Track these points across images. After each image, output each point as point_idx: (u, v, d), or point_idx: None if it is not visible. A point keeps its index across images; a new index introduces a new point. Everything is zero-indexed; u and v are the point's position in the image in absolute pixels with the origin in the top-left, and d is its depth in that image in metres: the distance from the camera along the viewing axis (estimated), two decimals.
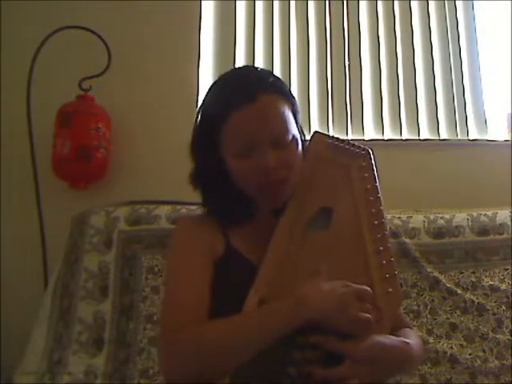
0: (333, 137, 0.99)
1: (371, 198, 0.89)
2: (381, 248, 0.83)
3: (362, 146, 0.97)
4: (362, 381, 0.71)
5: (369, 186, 0.91)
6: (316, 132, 0.99)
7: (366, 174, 0.92)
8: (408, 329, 0.90)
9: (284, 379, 0.72)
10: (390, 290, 0.80)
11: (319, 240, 0.85)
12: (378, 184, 0.92)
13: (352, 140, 1.03)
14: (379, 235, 0.85)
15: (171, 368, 0.76)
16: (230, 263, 0.87)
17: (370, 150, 0.96)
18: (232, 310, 0.76)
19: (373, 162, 0.95)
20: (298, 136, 0.89)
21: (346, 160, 0.94)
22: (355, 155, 0.95)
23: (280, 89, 0.87)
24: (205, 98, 0.92)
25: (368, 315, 0.73)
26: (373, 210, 0.87)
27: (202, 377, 0.74)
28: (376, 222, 0.86)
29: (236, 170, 0.85)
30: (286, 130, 0.84)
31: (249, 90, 0.83)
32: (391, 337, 0.77)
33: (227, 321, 0.75)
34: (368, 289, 0.75)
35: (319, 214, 0.87)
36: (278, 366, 0.72)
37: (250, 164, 0.83)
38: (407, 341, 0.79)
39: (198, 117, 0.91)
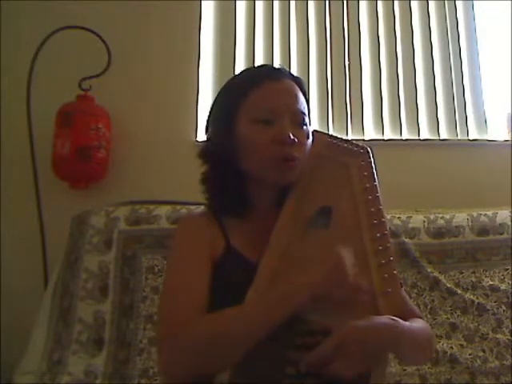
0: (332, 135, 0.98)
1: (370, 197, 0.88)
2: (380, 247, 0.83)
3: (361, 145, 0.96)
4: (353, 364, 0.69)
5: (368, 185, 0.90)
6: (315, 131, 0.98)
7: (366, 173, 0.91)
8: (415, 318, 0.87)
9: (283, 379, 0.71)
10: (390, 290, 0.79)
11: (319, 240, 0.84)
12: (377, 183, 0.91)
13: (352, 139, 1.02)
14: (379, 234, 0.84)
15: (171, 365, 0.76)
16: (229, 263, 0.87)
17: (369, 149, 0.96)
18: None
19: (372, 160, 0.94)
20: (310, 131, 0.92)
21: (345, 159, 0.93)
22: (354, 154, 0.94)
23: (300, 84, 0.94)
24: (230, 80, 0.97)
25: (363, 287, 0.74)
26: (372, 209, 0.86)
27: (201, 372, 0.74)
28: (375, 221, 0.85)
29: (253, 137, 0.86)
30: (305, 113, 0.90)
31: (278, 71, 0.93)
32: (376, 316, 0.75)
33: (225, 313, 0.75)
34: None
35: (318, 213, 0.87)
36: (276, 367, 0.72)
37: (268, 132, 0.85)
38: (395, 318, 0.76)
39: (220, 93, 0.95)
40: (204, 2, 1.88)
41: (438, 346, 1.26)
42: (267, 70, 0.95)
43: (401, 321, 0.76)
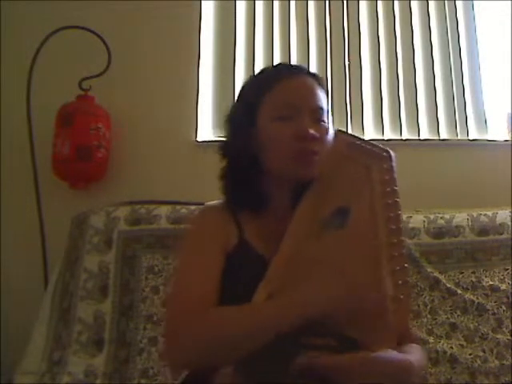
0: (355, 136, 0.97)
1: (390, 202, 0.86)
2: (395, 254, 0.81)
3: (385, 148, 0.94)
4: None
5: (388, 189, 0.87)
6: (338, 130, 0.98)
7: (387, 177, 0.89)
8: (413, 344, 0.86)
9: (286, 377, 0.71)
10: (402, 296, 0.77)
11: (334, 240, 0.83)
12: (397, 188, 0.88)
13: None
14: (395, 240, 0.82)
15: (175, 356, 0.77)
16: (241, 257, 0.87)
17: (392, 153, 0.93)
18: (240, 304, 0.76)
19: (394, 164, 0.92)
20: (330, 128, 0.93)
21: (368, 160, 0.91)
22: (377, 156, 0.92)
23: (320, 81, 0.95)
24: (250, 78, 1.00)
25: (370, 322, 0.71)
26: (391, 215, 0.84)
27: (204, 365, 0.75)
28: (393, 227, 0.83)
29: (273, 133, 0.88)
30: (324, 109, 0.91)
31: (297, 68, 0.96)
32: (392, 352, 0.74)
33: (234, 310, 0.76)
34: (377, 297, 0.74)
35: (335, 214, 0.86)
36: (280, 366, 0.72)
37: (288, 128, 0.86)
38: (408, 358, 0.76)
39: (241, 90, 0.98)
40: (204, 1, 1.88)
41: (437, 346, 1.26)
42: (286, 68, 0.97)
43: (413, 360, 0.75)
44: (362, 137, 0.98)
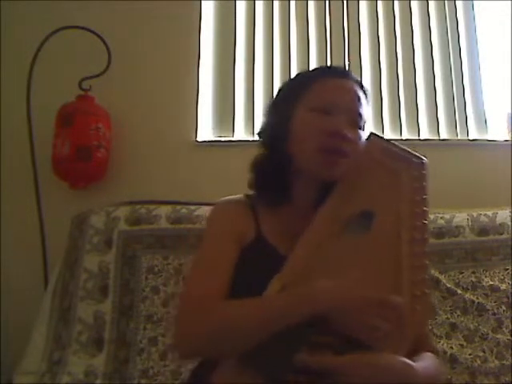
0: (388, 141, 0.96)
1: (417, 210, 0.84)
2: (417, 264, 0.79)
3: (418, 155, 0.92)
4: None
5: (417, 198, 0.86)
6: (372, 133, 0.97)
7: (417, 185, 0.88)
8: (428, 353, 0.86)
9: (289, 371, 0.71)
10: (418, 307, 0.76)
11: (355, 243, 0.82)
12: (427, 196, 0.87)
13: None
14: (418, 250, 0.81)
15: (184, 345, 0.79)
16: (257, 251, 0.88)
17: (425, 160, 0.92)
18: (252, 297, 0.77)
19: (426, 173, 0.90)
20: (363, 135, 0.93)
21: (399, 166, 0.90)
22: (409, 163, 0.90)
23: (364, 90, 0.96)
24: (294, 76, 1.04)
25: (382, 326, 0.70)
26: (417, 223, 0.83)
27: (211, 355, 0.78)
28: (418, 236, 0.82)
29: (307, 123, 0.88)
30: (362, 117, 0.92)
31: (341, 71, 0.99)
32: (394, 356, 0.72)
33: (243, 301, 0.77)
34: (396, 301, 0.72)
35: (359, 217, 0.85)
36: (282, 361, 0.72)
37: (323, 121, 0.87)
38: (410, 363, 0.73)
39: (287, 81, 1.02)
40: (204, 1, 1.88)
41: (437, 346, 1.25)
42: (335, 69, 1.02)
43: (416, 366, 0.74)
44: (396, 142, 0.96)
